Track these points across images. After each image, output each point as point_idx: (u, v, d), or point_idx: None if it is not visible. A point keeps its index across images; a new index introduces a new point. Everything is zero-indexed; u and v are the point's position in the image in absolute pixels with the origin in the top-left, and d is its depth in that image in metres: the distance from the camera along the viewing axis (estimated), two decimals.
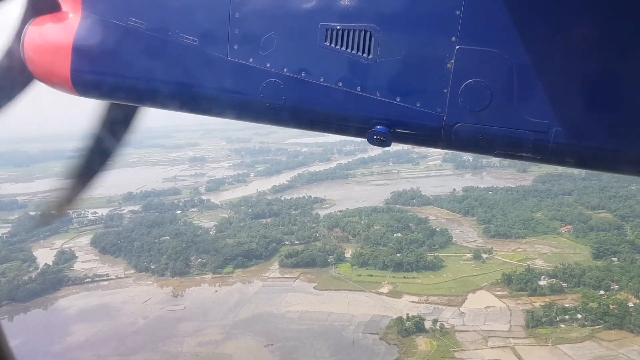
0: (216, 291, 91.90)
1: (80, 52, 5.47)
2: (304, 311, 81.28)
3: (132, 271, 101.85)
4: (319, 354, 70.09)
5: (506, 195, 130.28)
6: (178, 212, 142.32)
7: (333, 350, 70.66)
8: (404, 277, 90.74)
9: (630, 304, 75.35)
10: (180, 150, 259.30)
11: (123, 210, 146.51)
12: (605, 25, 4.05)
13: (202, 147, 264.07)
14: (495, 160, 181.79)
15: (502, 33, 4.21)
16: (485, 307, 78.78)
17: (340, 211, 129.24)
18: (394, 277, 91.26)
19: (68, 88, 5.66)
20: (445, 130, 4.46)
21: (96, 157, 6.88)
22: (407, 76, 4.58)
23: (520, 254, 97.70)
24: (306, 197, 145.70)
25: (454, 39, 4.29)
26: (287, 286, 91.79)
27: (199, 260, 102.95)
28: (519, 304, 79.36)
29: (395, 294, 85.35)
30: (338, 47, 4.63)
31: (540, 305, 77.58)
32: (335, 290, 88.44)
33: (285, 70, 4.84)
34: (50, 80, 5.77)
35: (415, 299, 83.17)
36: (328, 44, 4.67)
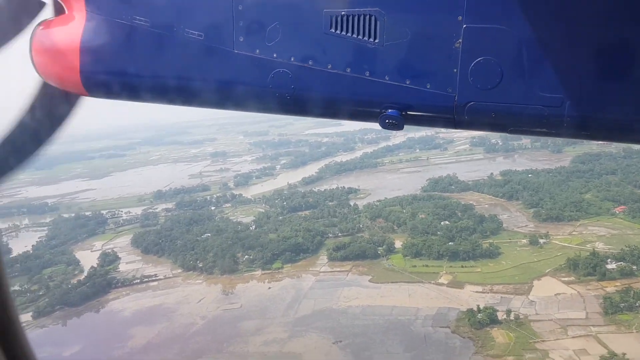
0: (269, 288, 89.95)
1: (87, 53, 5.50)
2: (365, 306, 79.07)
3: (179, 270, 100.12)
4: (392, 349, 67.85)
5: (549, 178, 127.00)
6: (212, 208, 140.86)
7: (406, 345, 68.38)
8: (462, 267, 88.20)
9: None
10: (199, 146, 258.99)
11: (156, 208, 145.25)
12: None
13: (221, 142, 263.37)
14: (526, 141, 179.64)
15: (508, 9, 4.14)
16: (555, 295, 76.02)
17: (378, 201, 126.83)
18: (451, 266, 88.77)
19: (78, 89, 5.69)
20: (457, 110, 4.48)
21: (19, 148, 6.27)
22: (415, 58, 4.59)
23: (577, 237, 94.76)
24: (339, 188, 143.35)
25: (460, 18, 4.26)
26: (341, 280, 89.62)
27: (246, 256, 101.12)
28: (589, 289, 76.55)
29: (456, 284, 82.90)
30: (344, 33, 4.63)
31: (614, 290, 74.79)
32: (392, 282, 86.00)
33: (292, 59, 4.85)
34: (61, 82, 5.77)
35: (479, 288, 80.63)
36: (333, 31, 4.66)
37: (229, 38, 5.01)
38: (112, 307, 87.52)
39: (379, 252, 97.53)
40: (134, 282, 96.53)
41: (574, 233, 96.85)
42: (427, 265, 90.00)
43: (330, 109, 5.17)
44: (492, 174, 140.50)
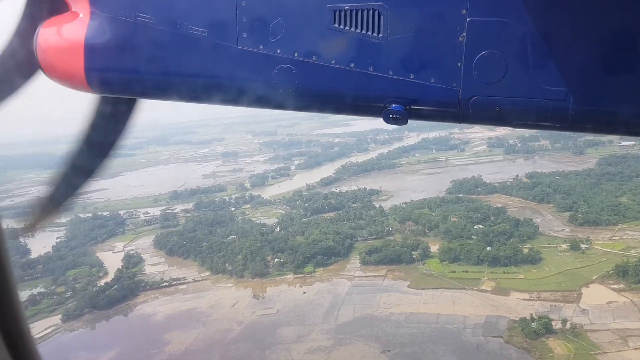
0: (304, 292, 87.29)
1: (92, 51, 5.49)
2: (409, 313, 76.49)
3: (208, 273, 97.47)
4: None
5: (580, 180, 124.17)
6: (232, 209, 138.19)
7: (459, 356, 65.77)
8: (504, 272, 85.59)
9: None
10: (207, 145, 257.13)
11: (175, 209, 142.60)
12: None
13: (229, 141, 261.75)
14: (546, 142, 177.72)
15: (513, 2, 4.14)
16: (607, 303, 73.53)
17: (404, 203, 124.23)
18: (492, 272, 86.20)
19: (84, 87, 5.70)
20: (461, 104, 4.47)
21: (86, 162, 6.61)
22: (419, 52, 4.56)
23: (619, 242, 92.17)
24: (361, 190, 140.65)
25: (464, 11, 4.25)
26: (378, 285, 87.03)
27: (276, 259, 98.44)
28: None
29: (500, 291, 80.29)
30: (347, 28, 4.62)
31: None
32: (432, 288, 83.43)
33: (296, 55, 4.84)
34: (66, 80, 5.78)
35: (526, 296, 78.04)
36: (337, 26, 4.64)
37: (232, 34, 5.01)
38: (143, 310, 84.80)
39: (413, 256, 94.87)
40: (162, 285, 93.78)
41: (614, 238, 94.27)
42: (466, 271, 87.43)
43: (334, 104, 5.12)
44: (517, 175, 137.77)
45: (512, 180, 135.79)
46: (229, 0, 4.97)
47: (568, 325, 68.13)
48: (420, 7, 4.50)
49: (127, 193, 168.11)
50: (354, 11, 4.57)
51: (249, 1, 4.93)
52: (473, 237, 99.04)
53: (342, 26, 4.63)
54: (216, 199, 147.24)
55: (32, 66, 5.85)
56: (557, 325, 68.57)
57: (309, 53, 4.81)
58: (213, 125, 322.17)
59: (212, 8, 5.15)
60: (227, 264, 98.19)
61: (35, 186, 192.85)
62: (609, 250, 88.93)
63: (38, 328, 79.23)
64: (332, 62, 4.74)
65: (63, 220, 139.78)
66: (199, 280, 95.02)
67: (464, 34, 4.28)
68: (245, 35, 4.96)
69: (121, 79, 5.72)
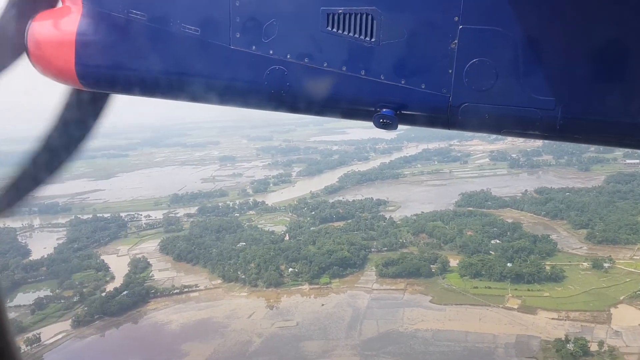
0: (323, 304, 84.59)
1: (83, 46, 5.44)
2: (435, 330, 74.20)
3: (219, 281, 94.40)
4: None
5: (593, 198, 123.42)
6: (236, 215, 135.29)
7: None
8: (528, 290, 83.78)
9: None
10: (202, 149, 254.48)
11: (177, 213, 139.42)
12: None
13: (225, 145, 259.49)
14: (549, 157, 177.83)
15: (505, 11, 4.15)
16: (639, 325, 71.99)
17: (415, 215, 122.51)
18: (515, 289, 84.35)
19: (74, 82, 5.68)
20: (451, 111, 4.48)
21: (48, 163, 6.34)
22: (410, 58, 4.55)
23: None
24: (368, 199, 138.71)
25: (456, 18, 4.25)
26: (398, 299, 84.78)
27: (290, 269, 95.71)
28: None
29: (527, 309, 78.39)
30: (340, 31, 4.61)
31: None
32: (456, 304, 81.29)
33: (288, 56, 4.82)
34: (57, 75, 5.74)
35: (554, 315, 76.22)
36: (330, 29, 4.63)
37: (225, 34, 4.95)
38: (156, 318, 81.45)
39: (432, 270, 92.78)
40: (173, 292, 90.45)
41: (635, 257, 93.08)
42: (489, 287, 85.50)
43: (325, 107, 5.08)
44: (526, 190, 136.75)
45: (520, 194, 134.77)
46: (223, 0, 4.92)
47: (605, 347, 66.18)
48: (413, 13, 4.46)
49: (125, 195, 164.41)
50: (348, 15, 4.55)
51: (243, 1, 4.87)
52: (491, 252, 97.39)
53: (335, 29, 4.60)
54: (219, 204, 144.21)
55: (14, 52, 5.70)
56: (592, 346, 66.63)
57: (301, 55, 4.78)
58: (206, 128, 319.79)
59: (205, 7, 5.08)
60: (239, 272, 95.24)
61: None
62: (633, 270, 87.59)
63: (47, 334, 75.97)
64: (325, 64, 4.71)
65: (62, 221, 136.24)
66: (210, 288, 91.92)
67: (456, 41, 4.26)
68: (238, 35, 4.92)
69: (111, 75, 5.63)
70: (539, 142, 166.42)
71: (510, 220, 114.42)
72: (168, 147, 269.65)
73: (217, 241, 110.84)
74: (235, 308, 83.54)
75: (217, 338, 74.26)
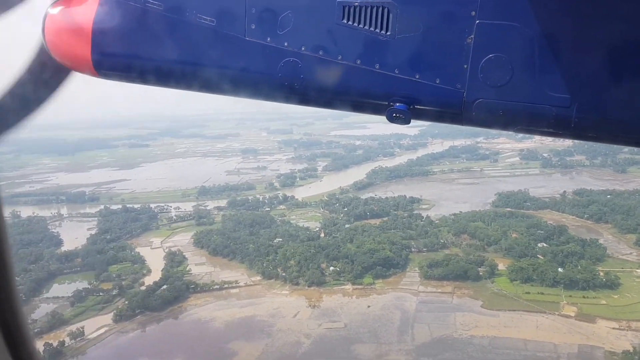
0: (369, 306, 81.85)
1: (100, 35, 5.36)
2: (492, 337, 71.20)
3: (259, 278, 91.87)
4: None
5: (639, 201, 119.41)
6: (267, 209, 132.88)
7: None
8: (583, 297, 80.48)
9: None
10: (223, 140, 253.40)
11: (207, 206, 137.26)
12: None
13: (245, 138, 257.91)
14: (582, 157, 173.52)
15: (522, 6, 4.05)
16: None
17: (452, 214, 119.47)
18: (569, 296, 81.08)
19: (90, 71, 5.59)
20: (465, 107, 4.38)
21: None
22: (426, 52, 4.44)
23: None
24: (401, 196, 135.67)
25: (473, 13, 4.16)
26: (447, 302, 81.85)
27: (332, 267, 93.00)
28: None
29: (585, 317, 75.10)
30: (356, 24, 4.52)
31: None
32: (509, 310, 78.18)
33: (303, 49, 4.73)
34: (73, 64, 5.66)
35: (614, 324, 72.89)
36: (346, 22, 4.54)
37: (240, 25, 4.88)
38: (199, 315, 78.97)
39: (479, 273, 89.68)
40: (213, 287, 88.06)
41: None
42: (542, 293, 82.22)
43: (338, 100, 4.97)
44: (565, 192, 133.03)
45: (559, 196, 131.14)
46: None
47: None
48: (429, 7, 4.34)
49: (151, 186, 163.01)
50: (364, 7, 4.44)
51: None
52: (539, 256, 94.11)
53: (350, 22, 4.51)
54: (249, 198, 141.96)
55: (62, 74, 5.70)
56: None
57: (316, 48, 4.68)
58: (224, 120, 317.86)
59: None
60: (279, 269, 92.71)
61: (53, 172, 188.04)
62: None
63: (90, 327, 74.04)
64: (339, 57, 4.62)
65: (91, 210, 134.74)
66: (251, 285, 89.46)
67: (472, 36, 4.17)
68: (253, 27, 4.83)
69: (127, 64, 5.51)
70: (569, 142, 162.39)
71: (551, 223, 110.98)
72: (187, 138, 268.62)
73: (251, 236, 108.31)
74: (278, 307, 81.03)
75: (264, 338, 71.78)
